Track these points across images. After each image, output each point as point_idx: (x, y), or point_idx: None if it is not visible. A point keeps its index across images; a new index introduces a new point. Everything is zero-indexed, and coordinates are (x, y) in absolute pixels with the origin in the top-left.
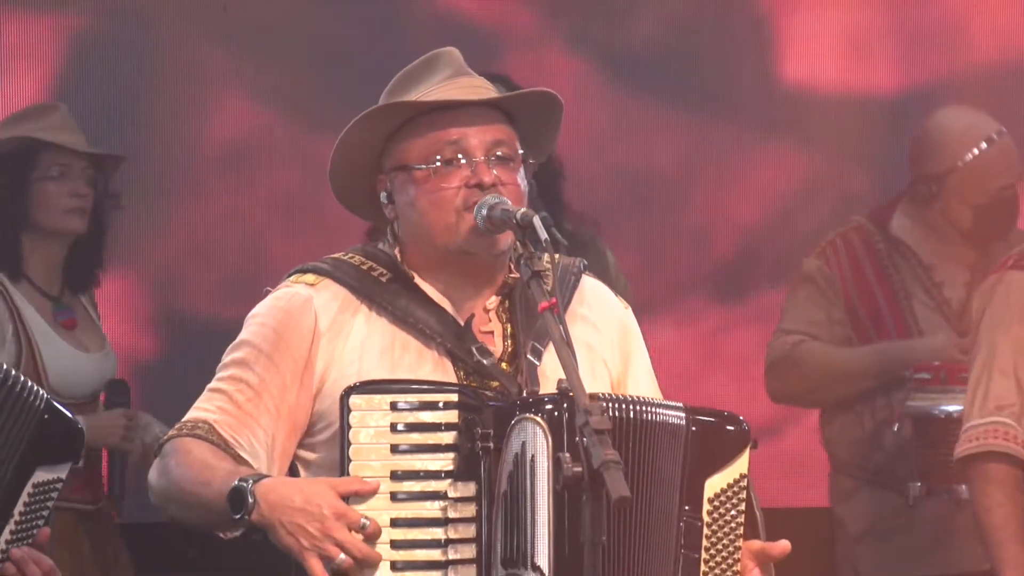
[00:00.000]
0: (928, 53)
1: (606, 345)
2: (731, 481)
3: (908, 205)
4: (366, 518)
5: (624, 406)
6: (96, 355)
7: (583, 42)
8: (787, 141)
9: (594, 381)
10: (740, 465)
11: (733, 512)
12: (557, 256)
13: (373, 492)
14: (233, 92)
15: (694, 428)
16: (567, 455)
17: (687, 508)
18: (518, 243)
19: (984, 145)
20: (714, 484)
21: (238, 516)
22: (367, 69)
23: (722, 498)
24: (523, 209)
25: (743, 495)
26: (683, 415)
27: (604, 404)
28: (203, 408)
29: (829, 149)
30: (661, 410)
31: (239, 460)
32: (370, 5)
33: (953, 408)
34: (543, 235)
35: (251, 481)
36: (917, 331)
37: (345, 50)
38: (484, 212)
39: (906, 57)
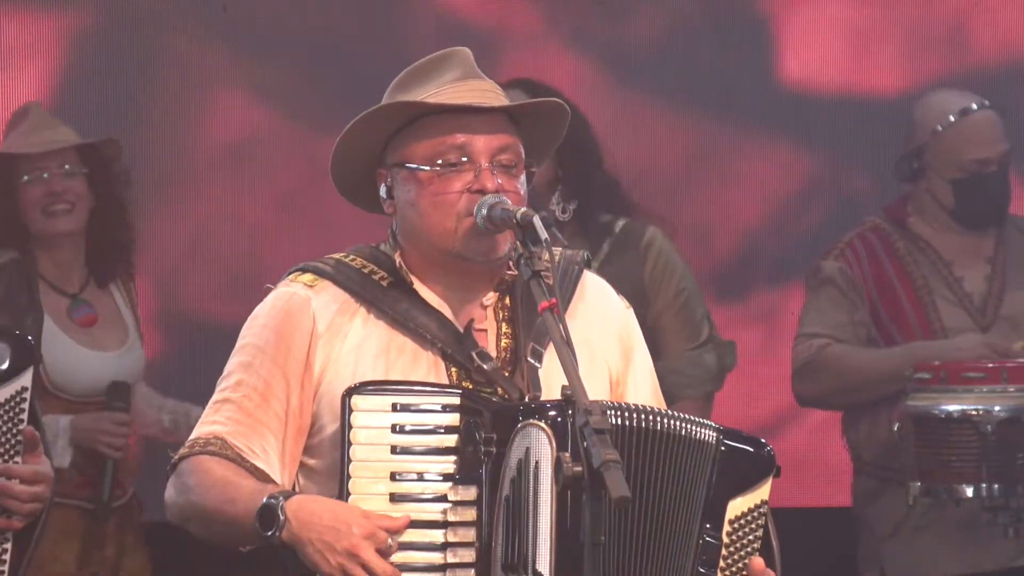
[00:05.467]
0: (928, 53)
1: (607, 342)
2: (752, 506)
3: (912, 195)
4: (392, 539)
5: (652, 417)
6: (111, 353)
7: (583, 42)
8: (787, 141)
9: (593, 379)
10: (762, 491)
11: (751, 537)
12: (558, 254)
13: (403, 528)
14: (233, 92)
15: (723, 448)
16: (567, 454)
17: (708, 526)
18: (518, 242)
19: (953, 117)
20: (736, 506)
21: (269, 533)
22: (367, 69)
23: (742, 521)
24: (523, 208)
25: (762, 521)
26: (714, 434)
27: (632, 413)
28: (214, 421)
29: (829, 149)
30: (691, 426)
31: (257, 471)
32: (370, 5)
33: (953, 408)
34: (543, 235)
35: (281, 498)
36: (940, 328)
37: (345, 50)
38: (484, 211)
39: (906, 57)
